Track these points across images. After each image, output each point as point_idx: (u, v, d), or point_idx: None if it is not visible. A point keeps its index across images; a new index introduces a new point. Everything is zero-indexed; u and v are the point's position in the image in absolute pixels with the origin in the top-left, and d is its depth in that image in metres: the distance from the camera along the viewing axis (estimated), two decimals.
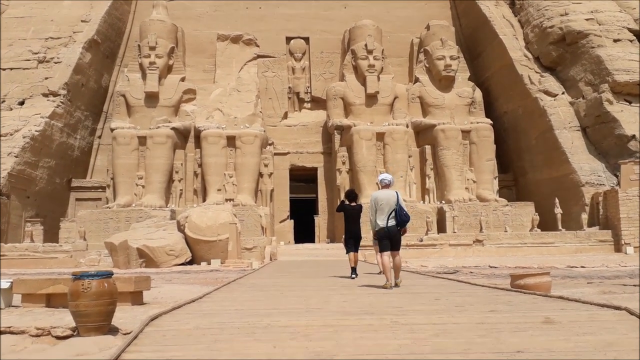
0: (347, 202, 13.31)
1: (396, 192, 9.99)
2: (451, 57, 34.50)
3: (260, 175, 33.70)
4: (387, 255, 9.96)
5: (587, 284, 11.46)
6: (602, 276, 13.64)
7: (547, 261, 21.25)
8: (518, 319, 5.61)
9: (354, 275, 12.86)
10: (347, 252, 13.22)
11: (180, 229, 23.25)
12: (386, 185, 10.14)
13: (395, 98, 35.10)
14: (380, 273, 13.11)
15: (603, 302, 6.62)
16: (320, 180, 36.75)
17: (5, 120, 30.29)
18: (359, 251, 13.79)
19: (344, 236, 13.45)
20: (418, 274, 13.99)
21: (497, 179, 34.09)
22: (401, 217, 9.71)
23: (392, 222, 9.73)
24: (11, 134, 29.49)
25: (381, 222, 9.77)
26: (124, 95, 33.80)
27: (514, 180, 35.99)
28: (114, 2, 36.16)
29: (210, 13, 38.77)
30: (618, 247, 27.33)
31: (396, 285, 9.81)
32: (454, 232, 29.16)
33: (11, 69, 32.64)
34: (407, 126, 34.39)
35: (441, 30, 35.25)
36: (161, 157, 32.16)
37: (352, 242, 13.16)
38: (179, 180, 33.18)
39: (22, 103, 31.63)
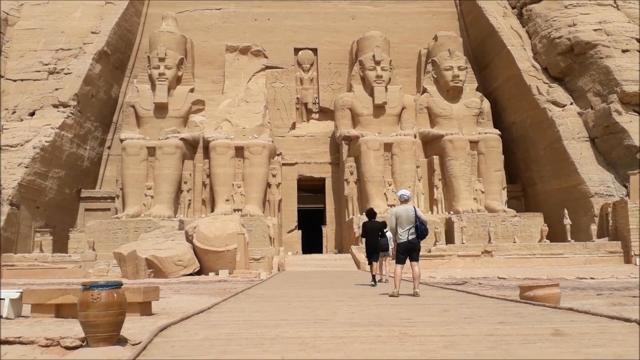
0: (367, 220, 14.96)
1: (414, 207, 10.59)
2: (459, 68, 34.54)
3: (268, 185, 33.77)
4: (400, 267, 10.58)
5: (596, 295, 11.38)
6: (612, 288, 13.54)
7: (556, 272, 21.12)
8: (527, 331, 5.58)
9: (373, 282, 14.05)
10: (369, 263, 14.92)
11: (189, 239, 23.29)
12: (405, 201, 10.68)
13: (403, 108, 35.14)
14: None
15: (613, 314, 6.58)
16: (328, 191, 36.77)
17: (16, 131, 30.53)
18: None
19: (364, 248, 15.29)
20: (426, 285, 13.94)
21: (505, 189, 33.98)
22: (422, 232, 10.38)
23: (412, 237, 10.34)
24: (21, 145, 29.70)
25: (403, 237, 10.38)
26: (133, 106, 34.03)
27: (522, 190, 35.86)
28: (123, 14, 36.46)
29: (219, 25, 39.03)
30: (628, 259, 27.12)
31: (415, 294, 10.19)
32: (463, 243, 29.04)
33: (22, 80, 32.94)
34: (415, 136, 34.40)
35: (449, 41, 35.31)
36: (170, 168, 32.29)
37: (371, 254, 14.75)
38: (188, 191, 33.29)
39: (32, 114, 31.88)
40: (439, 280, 16.97)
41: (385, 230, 15.50)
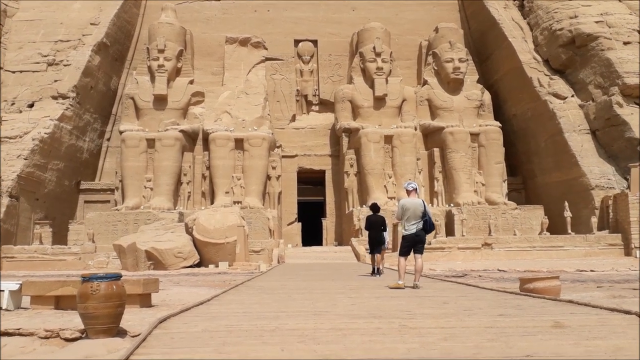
0: (371, 213, 15.72)
1: (423, 202, 10.62)
2: (460, 60, 34.43)
3: (268, 177, 33.74)
4: (404, 259, 10.58)
5: (596, 288, 11.38)
6: (612, 280, 13.55)
7: (557, 265, 21.14)
8: (527, 323, 5.57)
9: (377, 275, 14.60)
10: (371, 254, 15.61)
11: (189, 231, 23.29)
12: (412, 190, 10.68)
13: (403, 101, 35.07)
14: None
15: (613, 307, 6.57)
16: (328, 183, 36.76)
17: (15, 123, 30.47)
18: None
19: (367, 241, 16.00)
20: (426, 277, 13.94)
21: (506, 182, 33.96)
22: (430, 227, 10.50)
23: (420, 230, 10.38)
24: (20, 137, 29.66)
25: (410, 230, 10.40)
26: (132, 98, 33.95)
27: (523, 183, 35.84)
28: (122, 5, 36.31)
29: (218, 16, 38.89)
30: (628, 251, 27.13)
31: (415, 286, 10.20)
32: (463, 236, 29.06)
33: (21, 71, 32.84)
34: (416, 129, 34.33)
35: (450, 32, 35.19)
36: (169, 160, 32.26)
37: (373, 246, 15.34)
38: (187, 183, 33.27)
39: (31, 105, 31.81)
40: (439, 273, 16.98)
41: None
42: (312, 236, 36.31)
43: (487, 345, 4.50)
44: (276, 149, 34.99)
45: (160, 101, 33.68)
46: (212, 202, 32.48)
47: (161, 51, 33.47)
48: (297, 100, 38.52)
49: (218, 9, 39.10)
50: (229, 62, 36.54)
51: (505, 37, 35.11)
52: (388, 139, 33.32)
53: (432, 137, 34.57)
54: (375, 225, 15.35)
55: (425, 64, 36.20)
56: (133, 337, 5.57)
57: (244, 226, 23.62)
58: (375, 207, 15.89)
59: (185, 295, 10.30)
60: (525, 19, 36.36)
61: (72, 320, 6.57)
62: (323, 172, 36.97)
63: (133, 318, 6.75)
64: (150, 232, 23.65)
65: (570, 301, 7.40)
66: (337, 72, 38.53)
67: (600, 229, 28.62)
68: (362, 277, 14.55)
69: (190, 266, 21.98)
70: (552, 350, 4.29)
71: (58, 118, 30.89)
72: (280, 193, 34.50)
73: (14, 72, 32.88)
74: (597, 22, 31.51)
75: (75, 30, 34.56)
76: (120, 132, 33.29)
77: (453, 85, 34.89)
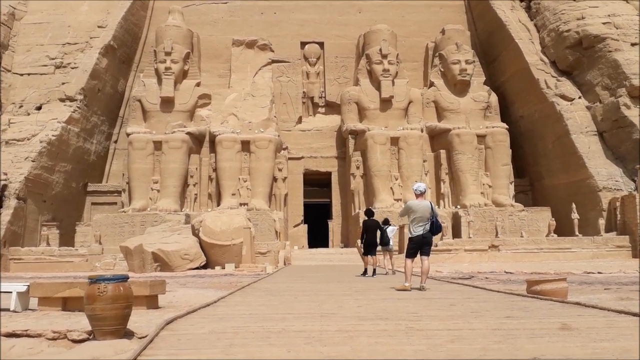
0: (366, 218, 16.56)
1: (431, 204, 10.59)
2: (466, 62, 34.36)
3: (275, 179, 33.78)
4: (411, 261, 10.60)
5: (604, 290, 11.33)
6: (620, 282, 13.48)
7: (564, 267, 21.04)
8: (534, 325, 5.56)
9: (367, 275, 15.55)
10: (364, 255, 16.50)
11: (195, 233, 23.33)
12: (421, 194, 10.60)
13: (409, 102, 35.01)
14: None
15: (620, 309, 6.54)
16: (334, 185, 36.74)
17: (23, 125, 30.65)
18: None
19: (361, 243, 16.84)
20: (433, 279, 13.91)
21: (513, 183, 33.85)
22: (437, 229, 10.46)
23: (427, 232, 10.35)
24: (28, 139, 29.81)
25: (417, 231, 10.37)
26: (139, 100, 34.05)
27: (530, 185, 35.73)
28: (130, 7, 36.46)
29: (225, 18, 38.98)
30: (636, 253, 26.99)
31: (422, 288, 10.17)
32: (470, 238, 28.97)
33: (29, 74, 33.04)
34: (422, 130, 34.27)
35: (456, 34, 35.12)
36: (176, 162, 32.34)
37: (369, 248, 16.18)
38: (194, 185, 33.35)
39: (39, 108, 31.99)
40: (446, 275, 16.94)
41: (385, 227, 17.02)
42: (318, 238, 36.29)
43: (494, 347, 4.49)
44: (282, 151, 35.01)
45: (167, 103, 33.79)
46: (218, 204, 32.53)
47: (168, 54, 33.56)
48: (304, 102, 38.55)
49: (225, 11, 39.20)
50: (236, 65, 36.60)
51: (512, 39, 35.03)
52: (394, 141, 33.28)
53: (438, 139, 34.51)
54: (371, 229, 16.26)
55: (431, 66, 36.15)
56: (140, 338, 5.58)
57: (250, 228, 23.64)
58: (369, 212, 16.93)
59: (192, 297, 10.31)
60: (532, 20, 36.26)
61: (79, 322, 6.59)
62: (329, 174, 36.97)
63: (140, 319, 6.76)
64: (156, 234, 23.72)
65: (577, 303, 7.37)
66: (344, 74, 38.55)
67: (607, 230, 28.49)
68: (368, 278, 14.58)
69: (197, 268, 22.01)
70: (559, 352, 4.27)
71: (65, 120, 31.04)
72: (286, 195, 34.52)
73: (22, 74, 33.08)
74: (604, 23, 31.40)
75: (82, 33, 34.73)
76: (128, 135, 33.40)
77: (460, 87, 34.83)
